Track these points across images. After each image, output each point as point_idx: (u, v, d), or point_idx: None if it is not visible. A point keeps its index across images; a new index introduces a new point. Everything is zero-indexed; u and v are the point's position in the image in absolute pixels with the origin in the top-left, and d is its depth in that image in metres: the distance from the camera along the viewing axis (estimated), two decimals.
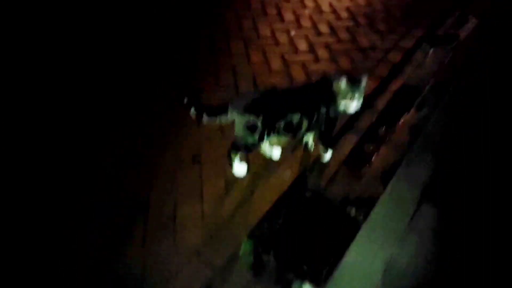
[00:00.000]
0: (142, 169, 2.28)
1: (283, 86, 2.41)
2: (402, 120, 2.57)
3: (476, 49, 3.29)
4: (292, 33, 3.47)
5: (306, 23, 3.63)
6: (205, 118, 1.90)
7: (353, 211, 2.01)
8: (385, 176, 2.19)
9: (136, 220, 2.02)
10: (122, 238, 1.95)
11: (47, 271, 1.81)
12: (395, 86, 2.84)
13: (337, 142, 2.38)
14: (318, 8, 3.86)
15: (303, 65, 3.07)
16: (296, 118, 1.90)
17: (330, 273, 1.75)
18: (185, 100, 1.90)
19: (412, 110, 2.65)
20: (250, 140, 1.93)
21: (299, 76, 2.96)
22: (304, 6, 3.92)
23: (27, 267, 1.82)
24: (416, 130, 2.49)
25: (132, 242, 1.92)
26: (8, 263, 1.82)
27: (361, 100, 1.91)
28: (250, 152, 2.09)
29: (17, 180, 2.19)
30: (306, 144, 2.32)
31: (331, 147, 2.23)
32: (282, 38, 3.41)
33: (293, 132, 1.98)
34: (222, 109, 1.88)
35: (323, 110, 1.94)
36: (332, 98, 1.92)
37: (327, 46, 3.30)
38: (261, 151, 2.24)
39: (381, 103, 2.69)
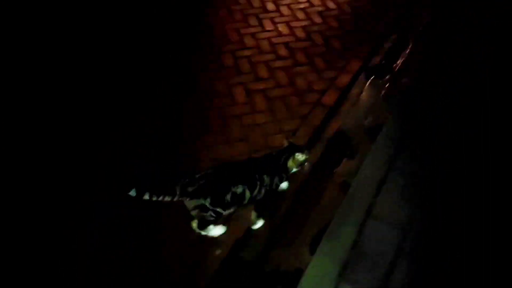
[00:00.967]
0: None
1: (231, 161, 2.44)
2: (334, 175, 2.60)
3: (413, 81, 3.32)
4: None
5: (244, 68, 3.62)
6: (146, 196, 1.83)
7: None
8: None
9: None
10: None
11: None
12: (329, 133, 2.88)
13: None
14: (258, 49, 3.85)
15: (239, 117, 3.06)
16: (239, 190, 1.98)
17: None
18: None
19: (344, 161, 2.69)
20: (208, 216, 1.99)
21: (235, 131, 2.96)
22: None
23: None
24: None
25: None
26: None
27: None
28: (220, 217, 2.05)
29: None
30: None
31: (263, 217, 2.27)
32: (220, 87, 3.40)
33: (238, 204, 2.05)
34: (168, 190, 1.88)
35: (267, 180, 2.05)
36: (283, 169, 2.07)
37: (265, 95, 3.27)
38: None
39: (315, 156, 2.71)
